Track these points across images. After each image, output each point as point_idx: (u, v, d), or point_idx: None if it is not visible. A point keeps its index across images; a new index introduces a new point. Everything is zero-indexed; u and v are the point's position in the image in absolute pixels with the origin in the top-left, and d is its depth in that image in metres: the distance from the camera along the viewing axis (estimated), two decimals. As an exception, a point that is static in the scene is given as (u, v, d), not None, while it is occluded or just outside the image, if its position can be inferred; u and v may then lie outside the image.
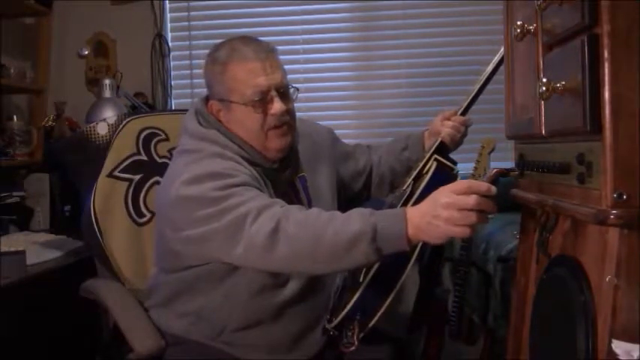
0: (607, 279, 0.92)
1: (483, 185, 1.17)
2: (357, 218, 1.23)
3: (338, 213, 1.28)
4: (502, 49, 1.51)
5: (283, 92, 1.46)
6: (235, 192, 1.32)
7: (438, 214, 1.17)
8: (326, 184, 1.62)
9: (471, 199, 1.15)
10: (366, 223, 1.21)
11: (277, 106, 1.43)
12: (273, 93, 1.44)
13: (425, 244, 1.39)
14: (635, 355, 0.89)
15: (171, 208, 1.38)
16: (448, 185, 1.20)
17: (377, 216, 1.23)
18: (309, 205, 1.54)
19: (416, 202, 1.50)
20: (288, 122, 1.47)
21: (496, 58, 1.60)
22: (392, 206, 1.55)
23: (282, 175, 1.51)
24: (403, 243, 1.21)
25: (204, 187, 1.33)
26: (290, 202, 1.51)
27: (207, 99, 1.52)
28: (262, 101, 1.43)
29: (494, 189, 1.17)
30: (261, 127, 1.44)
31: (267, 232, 1.24)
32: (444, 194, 1.18)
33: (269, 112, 1.44)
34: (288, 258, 1.26)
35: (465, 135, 1.68)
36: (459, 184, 1.18)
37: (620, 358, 0.90)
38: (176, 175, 1.40)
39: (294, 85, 1.50)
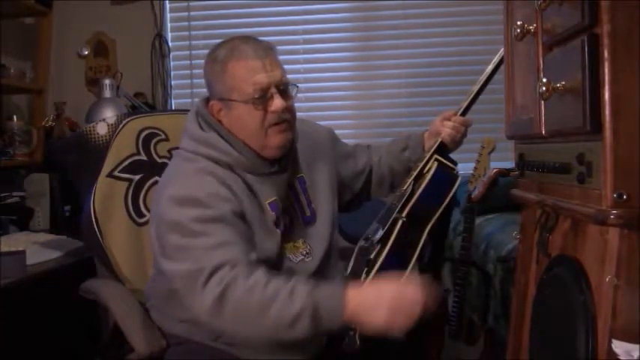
0: (607, 279, 0.92)
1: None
2: (299, 297, 1.26)
3: (282, 285, 1.29)
4: (502, 49, 1.51)
5: (283, 89, 1.46)
6: (208, 231, 1.33)
7: (378, 305, 1.24)
8: (325, 184, 1.62)
9: (417, 309, 1.23)
10: (307, 302, 1.26)
11: (278, 102, 1.43)
12: (274, 90, 1.44)
13: (426, 244, 1.40)
14: (635, 355, 0.89)
15: (159, 217, 1.41)
16: (395, 282, 1.28)
17: (318, 294, 1.27)
18: (310, 206, 1.54)
19: (416, 202, 1.51)
20: (288, 119, 1.47)
21: (496, 58, 1.60)
22: (392, 206, 1.55)
23: (282, 177, 1.51)
24: (340, 322, 1.27)
25: (184, 213, 1.35)
26: (290, 205, 1.51)
27: (207, 100, 1.52)
28: (263, 98, 1.43)
29: None
30: (262, 125, 1.44)
31: (215, 296, 1.27)
32: (390, 289, 1.25)
33: (269, 110, 1.44)
34: (234, 322, 1.30)
35: (464, 135, 1.68)
36: (406, 292, 1.25)
37: (620, 358, 0.90)
38: (169, 179, 1.44)
39: (293, 82, 1.50)
